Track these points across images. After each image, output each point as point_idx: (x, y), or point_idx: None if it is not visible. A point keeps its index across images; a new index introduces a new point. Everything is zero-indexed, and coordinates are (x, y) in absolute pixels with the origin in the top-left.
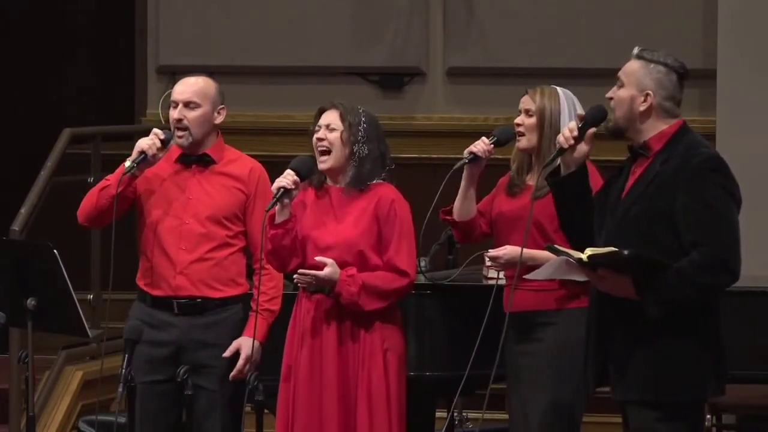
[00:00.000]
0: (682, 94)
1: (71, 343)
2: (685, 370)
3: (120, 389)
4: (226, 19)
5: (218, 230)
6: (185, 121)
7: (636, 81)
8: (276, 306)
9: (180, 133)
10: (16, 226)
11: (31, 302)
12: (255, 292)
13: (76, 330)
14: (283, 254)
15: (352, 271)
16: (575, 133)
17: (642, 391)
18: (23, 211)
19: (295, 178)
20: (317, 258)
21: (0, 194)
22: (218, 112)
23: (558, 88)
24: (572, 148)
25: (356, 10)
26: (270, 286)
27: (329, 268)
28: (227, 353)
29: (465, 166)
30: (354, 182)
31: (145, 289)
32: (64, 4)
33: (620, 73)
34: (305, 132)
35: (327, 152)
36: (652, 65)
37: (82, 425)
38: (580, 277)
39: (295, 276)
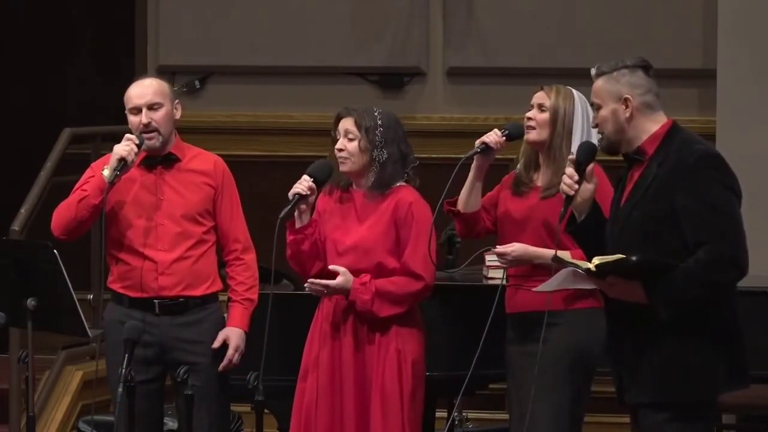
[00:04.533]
0: (656, 85)
1: (71, 343)
2: (693, 370)
3: (120, 389)
4: (225, 19)
5: (193, 227)
6: (153, 124)
7: (608, 94)
8: (255, 295)
9: (149, 135)
10: (16, 226)
11: (31, 302)
12: (231, 282)
13: (76, 330)
14: (302, 259)
15: (366, 278)
16: (576, 177)
17: (652, 392)
18: (23, 211)
19: (311, 184)
20: (331, 266)
21: (0, 194)
22: (176, 108)
23: (573, 90)
24: (577, 192)
25: (356, 10)
26: (247, 275)
27: (341, 278)
28: (216, 344)
29: (475, 157)
30: (376, 186)
31: (122, 291)
32: (65, 4)
33: (592, 98)
34: (305, 132)
35: (347, 159)
36: (614, 73)
37: (81, 425)
38: (589, 286)
39: (305, 284)
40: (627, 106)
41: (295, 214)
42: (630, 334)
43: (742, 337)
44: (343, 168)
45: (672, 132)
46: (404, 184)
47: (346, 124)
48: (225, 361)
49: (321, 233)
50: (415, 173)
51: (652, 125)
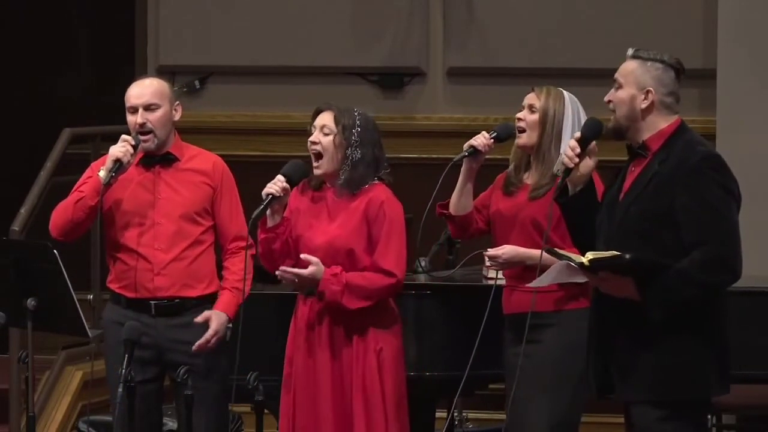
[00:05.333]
0: (679, 90)
1: (71, 343)
2: (687, 369)
3: (120, 389)
4: (225, 19)
5: (191, 227)
6: (149, 124)
7: (635, 80)
8: (246, 287)
9: (145, 137)
10: (16, 226)
11: (31, 302)
12: (225, 273)
13: (76, 330)
14: (274, 257)
15: (337, 269)
16: (578, 150)
17: (645, 391)
18: (23, 211)
19: (285, 184)
20: (302, 255)
21: (0, 194)
22: (175, 110)
23: (564, 91)
24: (576, 166)
25: (356, 11)
26: (240, 267)
27: (313, 267)
28: (199, 319)
29: (464, 160)
30: (345, 185)
31: (119, 291)
32: (65, 4)
33: (617, 75)
34: (304, 132)
35: (320, 156)
36: (649, 63)
37: (81, 425)
38: (581, 279)
39: (277, 272)
40: (646, 98)
41: (268, 213)
42: (622, 331)
43: (729, 341)
44: (316, 171)
45: (679, 131)
46: (377, 182)
47: (325, 118)
48: (202, 341)
49: (293, 231)
50: (389, 174)
51: (662, 122)
